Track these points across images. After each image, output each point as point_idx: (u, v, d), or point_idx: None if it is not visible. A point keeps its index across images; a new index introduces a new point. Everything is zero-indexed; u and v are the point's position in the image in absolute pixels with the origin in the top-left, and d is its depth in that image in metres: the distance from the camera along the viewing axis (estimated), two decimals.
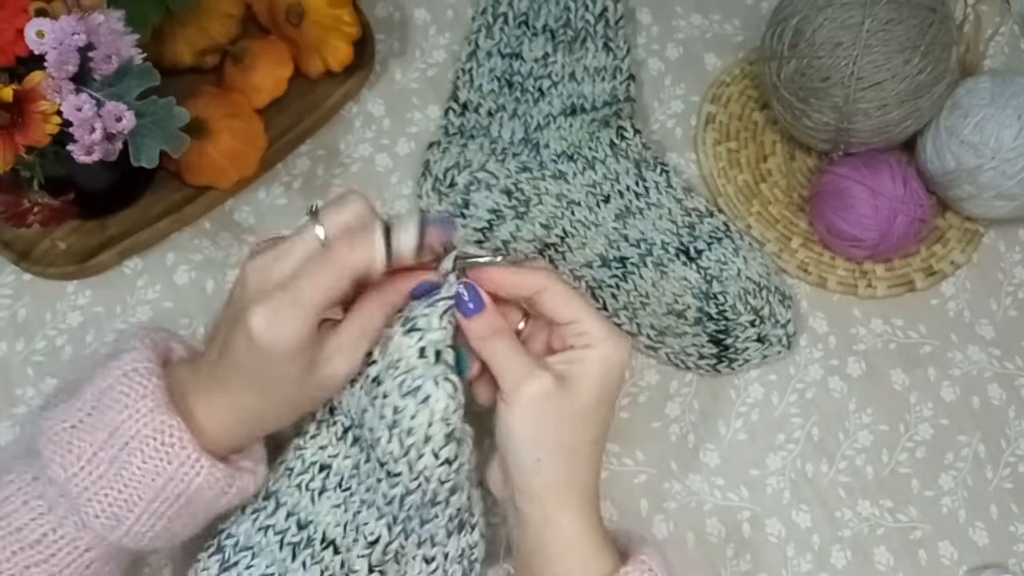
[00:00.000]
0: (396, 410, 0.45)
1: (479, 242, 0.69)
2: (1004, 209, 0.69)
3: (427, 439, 0.45)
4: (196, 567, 0.52)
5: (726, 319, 0.66)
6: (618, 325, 0.66)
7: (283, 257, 0.46)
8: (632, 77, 0.72)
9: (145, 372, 0.46)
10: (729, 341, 0.66)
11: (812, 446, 0.65)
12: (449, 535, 0.51)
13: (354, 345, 0.47)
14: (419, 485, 0.47)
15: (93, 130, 0.50)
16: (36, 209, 0.54)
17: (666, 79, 0.77)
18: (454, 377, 0.45)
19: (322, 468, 0.52)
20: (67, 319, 0.63)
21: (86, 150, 0.51)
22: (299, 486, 0.52)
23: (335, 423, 0.52)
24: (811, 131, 0.69)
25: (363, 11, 0.71)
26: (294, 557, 0.51)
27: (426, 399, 0.45)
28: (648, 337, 0.66)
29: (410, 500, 0.48)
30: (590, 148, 0.71)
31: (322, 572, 0.51)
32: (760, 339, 0.66)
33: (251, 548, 0.51)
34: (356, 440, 0.51)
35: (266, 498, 0.52)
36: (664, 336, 0.66)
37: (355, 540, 0.50)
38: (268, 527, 0.51)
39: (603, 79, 0.72)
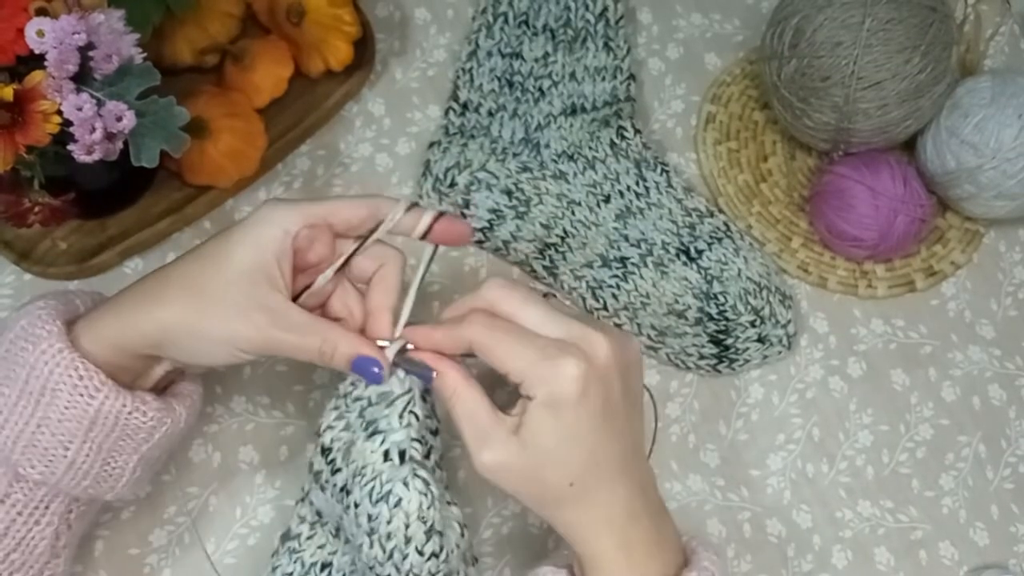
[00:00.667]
0: (371, 518, 0.45)
1: (479, 243, 0.69)
2: (1004, 209, 0.69)
3: (408, 540, 0.44)
4: None
5: (726, 319, 0.66)
6: (618, 325, 0.66)
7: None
8: (632, 77, 0.72)
9: (47, 317, 0.45)
10: (729, 341, 0.66)
11: (812, 446, 0.65)
12: None
13: (292, 334, 0.46)
14: None
15: (93, 130, 0.50)
16: (36, 209, 0.54)
17: (666, 79, 0.77)
18: (423, 473, 0.45)
19: (323, 567, 0.52)
20: None
21: (86, 150, 0.51)
22: None
23: (327, 522, 0.52)
24: (811, 131, 0.69)
25: (363, 10, 0.71)
26: None
27: (398, 502, 0.44)
28: (649, 337, 0.66)
29: None
30: (590, 148, 0.71)
31: None
32: (760, 339, 0.66)
33: None
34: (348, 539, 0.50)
35: None
36: (664, 336, 0.66)
37: None
38: None
39: (603, 79, 0.72)
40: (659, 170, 0.71)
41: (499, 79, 0.72)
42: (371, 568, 0.46)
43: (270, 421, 0.61)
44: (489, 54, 0.72)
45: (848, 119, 0.67)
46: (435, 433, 0.48)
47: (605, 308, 0.66)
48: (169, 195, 0.65)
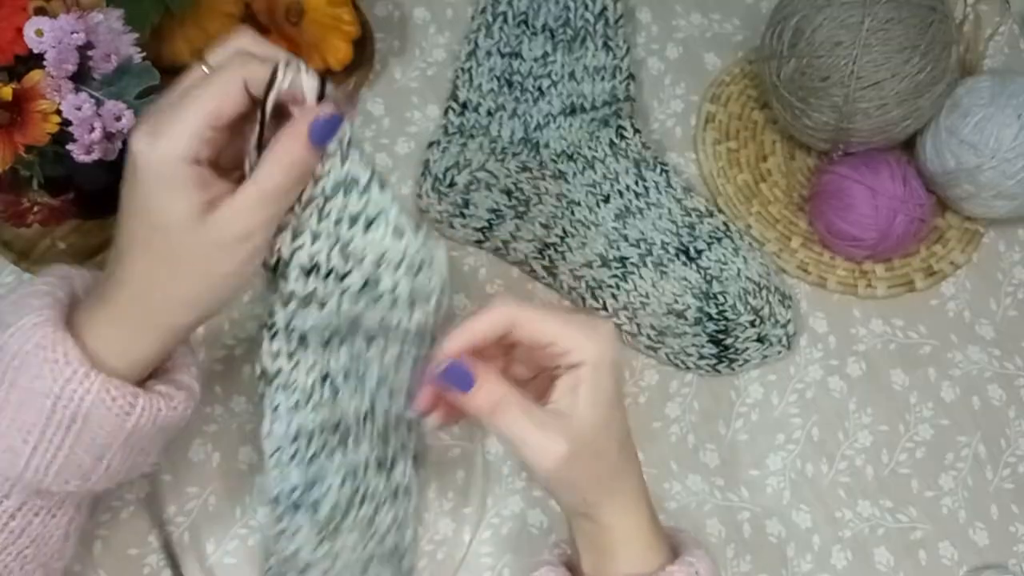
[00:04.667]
0: (415, 290, 0.45)
1: (479, 242, 0.68)
2: (1004, 209, 0.69)
3: (443, 288, 0.46)
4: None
5: (726, 319, 0.66)
6: (618, 325, 0.66)
7: (165, 98, 0.42)
8: (632, 76, 0.72)
9: (37, 293, 0.43)
10: (729, 341, 0.66)
11: (812, 446, 0.65)
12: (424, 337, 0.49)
13: (252, 203, 0.41)
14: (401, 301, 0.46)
15: (92, 129, 0.50)
16: (36, 208, 0.54)
17: (666, 78, 0.77)
18: (423, 229, 0.45)
19: (323, 380, 0.48)
20: None
21: (86, 149, 0.51)
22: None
23: (310, 342, 0.47)
24: (811, 130, 0.69)
25: (363, 10, 0.71)
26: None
27: (432, 263, 0.45)
28: (648, 337, 0.66)
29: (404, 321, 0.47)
30: (590, 148, 0.71)
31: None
32: (760, 339, 0.66)
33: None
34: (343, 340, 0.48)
35: None
36: (664, 336, 0.66)
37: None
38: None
39: (603, 78, 0.72)
40: (658, 170, 0.71)
41: (498, 79, 0.72)
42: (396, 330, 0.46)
43: None
44: (488, 54, 0.72)
45: (847, 119, 0.66)
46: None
47: (604, 308, 0.66)
48: None
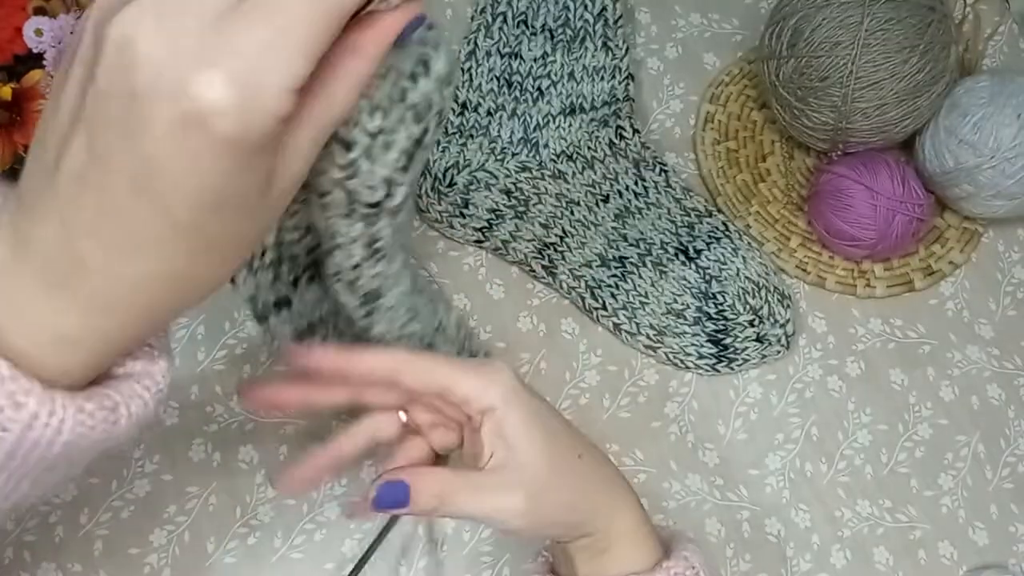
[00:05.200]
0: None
1: (479, 242, 0.69)
2: (1003, 208, 0.69)
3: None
4: None
5: (725, 319, 0.66)
6: (617, 325, 0.66)
7: None
8: (631, 76, 0.72)
9: None
10: (728, 341, 0.66)
11: (811, 446, 0.65)
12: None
13: (321, 129, 0.30)
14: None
15: None
16: None
17: (665, 78, 0.77)
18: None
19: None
20: None
21: None
22: None
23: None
24: (810, 130, 0.69)
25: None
26: None
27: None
28: (647, 337, 0.66)
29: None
30: (589, 148, 0.71)
31: None
32: (759, 339, 0.66)
33: None
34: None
35: None
36: (663, 336, 0.66)
37: None
38: None
39: (602, 78, 0.72)
40: (658, 170, 0.71)
41: (498, 79, 0.72)
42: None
43: (270, 421, 0.61)
44: (488, 54, 0.72)
45: (846, 119, 0.67)
46: None
47: (604, 308, 0.66)
48: None
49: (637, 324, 0.66)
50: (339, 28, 0.28)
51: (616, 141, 0.71)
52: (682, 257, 0.68)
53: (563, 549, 0.47)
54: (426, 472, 0.43)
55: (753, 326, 0.66)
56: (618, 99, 0.72)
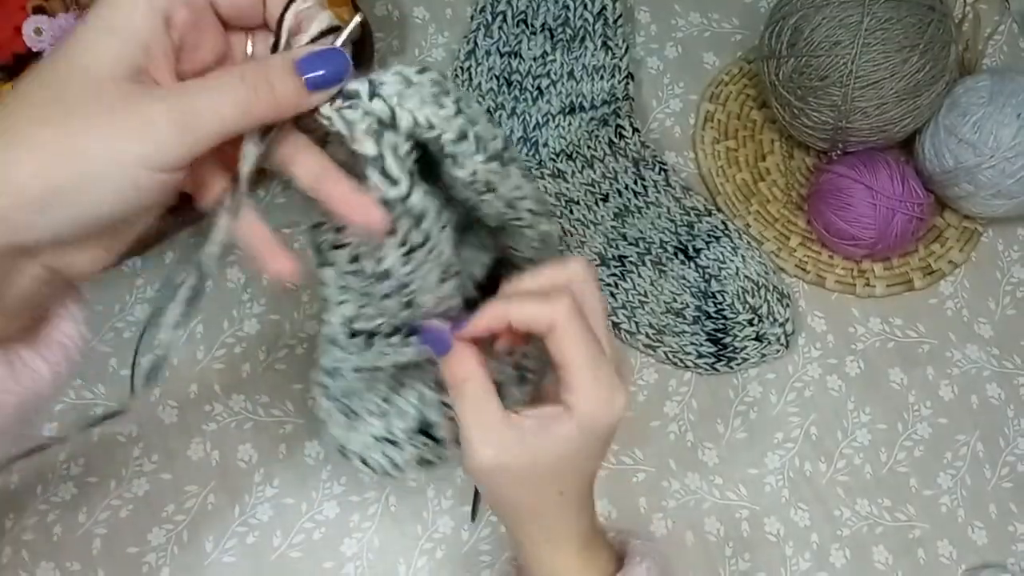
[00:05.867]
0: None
1: None
2: (1002, 208, 0.69)
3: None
4: None
5: (724, 318, 0.66)
6: (616, 324, 0.66)
7: None
8: (631, 76, 0.72)
9: None
10: (727, 340, 0.66)
11: (810, 445, 0.65)
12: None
13: (198, 91, 0.32)
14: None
15: None
16: None
17: (665, 78, 0.77)
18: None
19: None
20: None
21: None
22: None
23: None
24: (809, 130, 0.69)
25: (362, 9, 0.71)
26: None
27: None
28: (647, 336, 0.66)
29: None
30: (589, 147, 0.71)
31: None
32: (758, 338, 0.66)
33: None
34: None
35: None
36: (663, 335, 0.66)
37: None
38: None
39: (602, 78, 0.72)
40: (657, 169, 0.71)
41: (497, 78, 0.72)
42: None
43: (269, 420, 0.61)
44: (488, 53, 0.72)
45: (846, 118, 0.67)
46: None
47: None
48: None
49: (636, 323, 0.66)
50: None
51: (616, 140, 0.71)
52: (681, 256, 0.68)
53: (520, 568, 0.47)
54: (469, 358, 0.42)
55: (752, 325, 0.66)
56: (618, 98, 0.72)
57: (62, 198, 0.30)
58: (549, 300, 0.41)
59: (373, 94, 0.35)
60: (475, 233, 0.47)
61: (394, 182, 0.36)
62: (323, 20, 0.34)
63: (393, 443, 0.49)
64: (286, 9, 0.34)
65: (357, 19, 0.34)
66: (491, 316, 0.41)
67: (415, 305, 0.43)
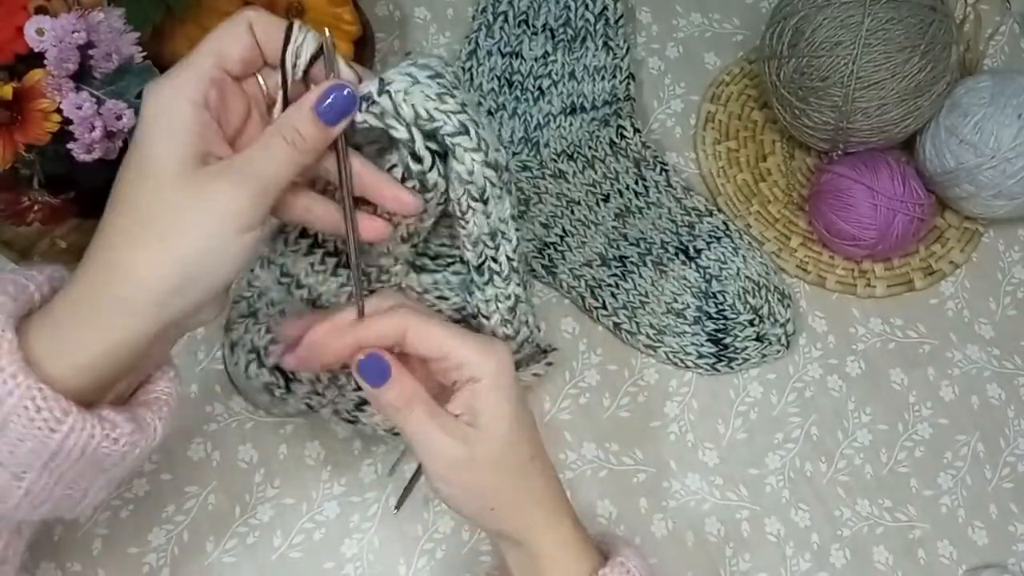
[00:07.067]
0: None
1: None
2: (1003, 208, 0.69)
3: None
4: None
5: (725, 318, 0.66)
6: (617, 324, 0.66)
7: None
8: (632, 76, 0.72)
9: None
10: (728, 340, 0.66)
11: (811, 445, 0.65)
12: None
13: (246, 179, 0.39)
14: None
15: (93, 128, 0.50)
16: (36, 207, 0.54)
17: (666, 78, 0.77)
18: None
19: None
20: None
21: (86, 148, 0.51)
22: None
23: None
24: (810, 130, 0.69)
25: (363, 9, 0.71)
26: None
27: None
28: (647, 336, 0.66)
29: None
30: (590, 147, 0.71)
31: None
32: (759, 338, 0.66)
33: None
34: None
35: None
36: (663, 335, 0.66)
37: None
38: None
39: (603, 78, 0.72)
40: (658, 169, 0.71)
41: (499, 78, 0.72)
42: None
43: (269, 420, 0.61)
44: (489, 53, 0.72)
45: (847, 119, 0.67)
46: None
47: (604, 307, 0.66)
48: None
49: (637, 323, 0.66)
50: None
51: (617, 140, 0.71)
52: (682, 256, 0.68)
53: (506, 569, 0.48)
54: (408, 377, 0.44)
55: (753, 325, 0.66)
56: (619, 98, 0.72)
57: (194, 283, 0.38)
58: (390, 313, 0.44)
59: (381, 91, 0.43)
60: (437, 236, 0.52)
61: (419, 159, 0.43)
62: (310, 46, 0.41)
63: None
64: (284, 50, 0.41)
65: (327, 33, 0.41)
66: (344, 346, 0.44)
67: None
